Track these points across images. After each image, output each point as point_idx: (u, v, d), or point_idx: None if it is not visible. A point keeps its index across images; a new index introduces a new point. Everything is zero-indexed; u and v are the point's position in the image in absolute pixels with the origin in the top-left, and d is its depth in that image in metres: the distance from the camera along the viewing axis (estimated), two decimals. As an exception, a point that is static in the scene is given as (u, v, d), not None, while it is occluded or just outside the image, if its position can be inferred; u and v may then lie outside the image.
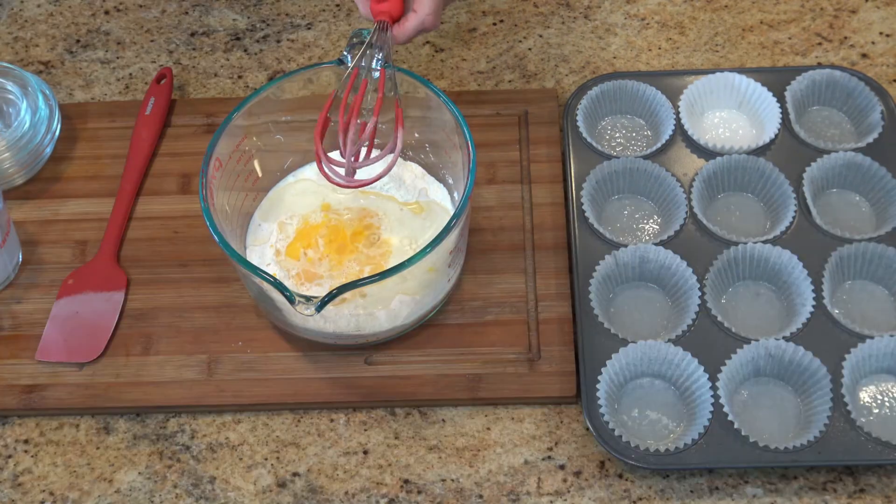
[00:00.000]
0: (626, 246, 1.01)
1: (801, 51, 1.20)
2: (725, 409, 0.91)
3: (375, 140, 0.96)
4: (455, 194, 1.03)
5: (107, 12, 1.27)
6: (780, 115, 1.10)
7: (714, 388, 0.93)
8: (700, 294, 0.98)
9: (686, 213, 1.04)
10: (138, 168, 1.11)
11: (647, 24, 1.23)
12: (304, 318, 0.93)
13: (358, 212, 1.02)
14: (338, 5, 1.27)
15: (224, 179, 0.97)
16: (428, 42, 1.22)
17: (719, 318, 0.97)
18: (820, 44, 1.21)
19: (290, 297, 0.86)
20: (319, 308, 0.86)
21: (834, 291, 1.00)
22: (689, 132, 1.09)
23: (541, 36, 1.23)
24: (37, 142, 1.10)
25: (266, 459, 0.95)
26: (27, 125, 1.10)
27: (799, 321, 0.97)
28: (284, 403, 0.97)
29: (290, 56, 1.22)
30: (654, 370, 0.96)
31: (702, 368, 0.94)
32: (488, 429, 0.96)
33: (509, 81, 1.18)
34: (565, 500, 0.92)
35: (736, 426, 0.91)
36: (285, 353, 0.99)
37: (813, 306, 0.97)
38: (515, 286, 1.02)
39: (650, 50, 1.21)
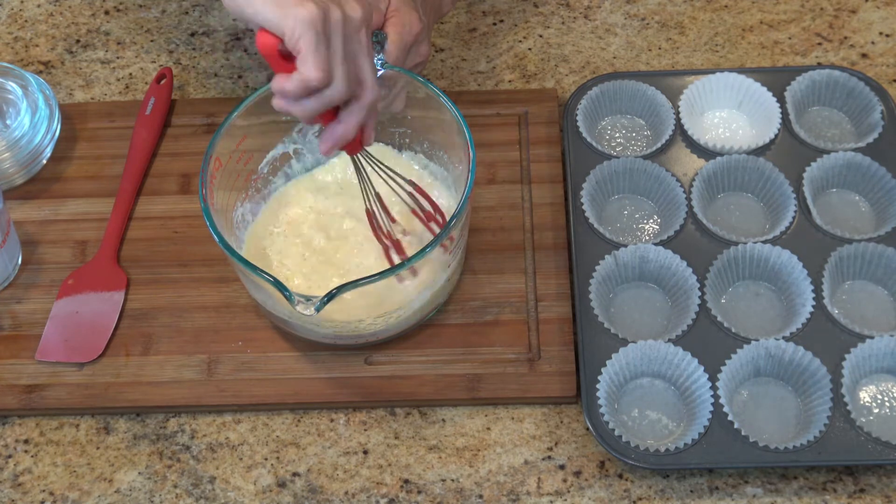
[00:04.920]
0: (626, 246, 1.01)
1: (801, 51, 1.20)
2: (725, 409, 0.91)
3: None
4: (455, 194, 1.03)
5: (107, 12, 1.27)
6: (780, 115, 1.10)
7: (714, 388, 0.93)
8: (700, 294, 0.98)
9: (686, 213, 1.04)
10: (138, 168, 1.11)
11: (647, 24, 1.23)
12: (302, 317, 0.92)
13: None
14: (338, 5, 1.27)
15: (224, 179, 0.97)
16: (428, 42, 1.22)
17: (719, 318, 0.97)
18: (820, 44, 1.21)
19: (290, 297, 0.86)
20: (319, 308, 0.86)
21: (834, 291, 1.00)
22: (689, 132, 1.09)
23: (541, 36, 1.23)
24: (37, 142, 1.10)
25: (266, 459, 0.95)
26: (27, 125, 1.10)
27: (799, 321, 0.97)
28: (284, 403, 0.97)
29: (290, 56, 1.22)
30: (654, 370, 0.96)
31: (702, 368, 0.94)
32: (488, 429, 0.96)
33: (509, 81, 1.18)
34: (565, 500, 0.92)
35: (736, 426, 0.91)
36: (285, 353, 0.99)
37: (813, 306, 0.97)
38: (515, 286, 1.02)
39: (650, 50, 1.21)
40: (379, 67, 0.96)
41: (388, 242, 0.98)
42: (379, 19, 0.96)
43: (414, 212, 0.99)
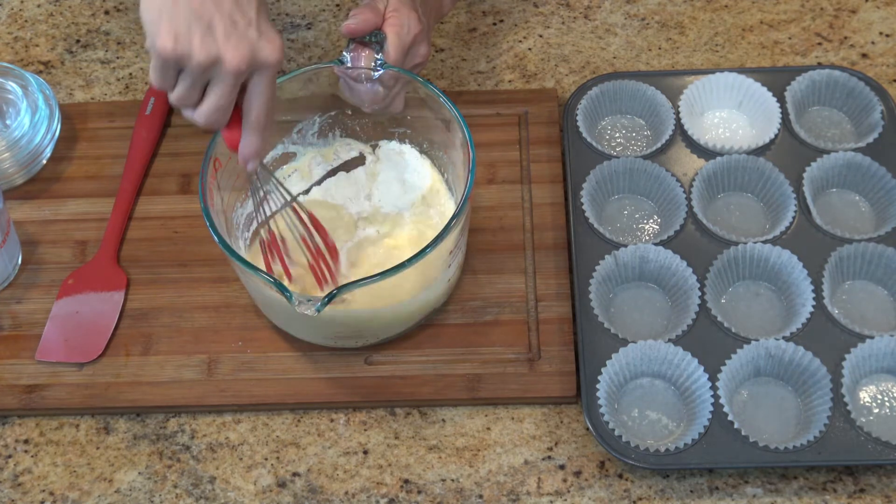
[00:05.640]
0: (626, 246, 1.01)
1: (801, 51, 1.20)
2: (725, 409, 0.91)
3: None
4: (455, 194, 1.03)
5: (107, 12, 1.27)
6: (780, 115, 1.10)
7: (714, 388, 0.93)
8: (700, 294, 0.98)
9: (686, 213, 1.04)
10: (138, 168, 1.11)
11: (647, 24, 1.23)
12: (300, 318, 0.92)
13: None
14: (338, 5, 1.27)
15: (224, 179, 0.97)
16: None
17: (719, 318, 0.97)
18: (820, 44, 1.21)
19: (290, 298, 0.86)
20: (320, 309, 0.85)
21: (834, 291, 1.00)
22: (689, 132, 1.09)
23: (541, 36, 1.23)
24: (37, 142, 1.10)
25: (266, 459, 0.95)
26: (27, 125, 1.10)
27: (799, 321, 0.97)
28: (284, 403, 0.97)
29: (290, 56, 1.22)
30: (654, 370, 0.96)
31: (702, 368, 0.94)
32: (488, 429, 0.96)
33: (509, 81, 1.18)
34: (565, 500, 0.92)
35: (736, 426, 0.91)
36: (285, 353, 0.99)
37: (813, 306, 0.97)
38: (515, 286, 1.02)
39: (650, 50, 1.21)
40: (378, 68, 0.96)
41: (320, 264, 0.96)
42: (377, 20, 0.96)
43: (304, 240, 0.95)
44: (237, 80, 0.84)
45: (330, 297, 0.85)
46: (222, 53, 0.82)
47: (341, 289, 0.86)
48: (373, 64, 0.96)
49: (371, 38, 0.97)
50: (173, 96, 0.85)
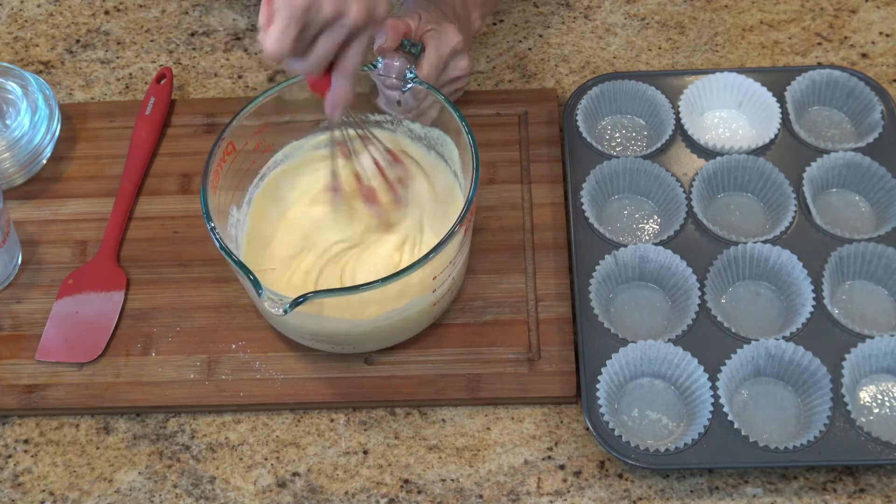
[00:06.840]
0: (626, 246, 1.01)
1: (801, 51, 1.20)
2: (725, 409, 0.92)
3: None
4: (455, 195, 1.03)
5: (107, 12, 1.27)
6: (780, 115, 1.10)
7: (714, 388, 0.93)
8: (700, 294, 0.98)
9: (686, 213, 1.04)
10: (138, 168, 1.11)
11: (647, 24, 1.23)
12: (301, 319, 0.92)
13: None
14: (338, 5, 1.27)
15: (224, 179, 0.97)
16: (428, 42, 1.22)
17: (719, 318, 0.97)
18: (820, 44, 1.21)
19: (261, 294, 0.85)
20: (288, 310, 0.84)
21: (834, 291, 1.00)
22: (689, 132, 1.09)
23: (541, 36, 1.23)
24: (37, 142, 1.10)
25: (266, 459, 0.95)
26: (27, 125, 1.10)
27: (799, 321, 0.97)
28: (284, 403, 0.97)
29: (291, 56, 1.22)
30: (654, 370, 0.96)
31: (702, 368, 0.94)
32: (488, 429, 0.96)
33: (509, 81, 1.18)
34: (565, 500, 0.92)
35: (736, 426, 0.91)
36: (285, 353, 0.99)
37: (813, 306, 0.97)
38: (515, 286, 1.02)
39: (650, 50, 1.21)
40: (409, 81, 0.96)
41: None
42: (407, 30, 0.96)
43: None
44: (353, 34, 0.86)
45: (300, 300, 0.84)
46: (348, 8, 0.85)
47: (317, 293, 0.85)
48: (404, 77, 0.96)
49: (409, 48, 0.96)
50: (284, 47, 0.85)
